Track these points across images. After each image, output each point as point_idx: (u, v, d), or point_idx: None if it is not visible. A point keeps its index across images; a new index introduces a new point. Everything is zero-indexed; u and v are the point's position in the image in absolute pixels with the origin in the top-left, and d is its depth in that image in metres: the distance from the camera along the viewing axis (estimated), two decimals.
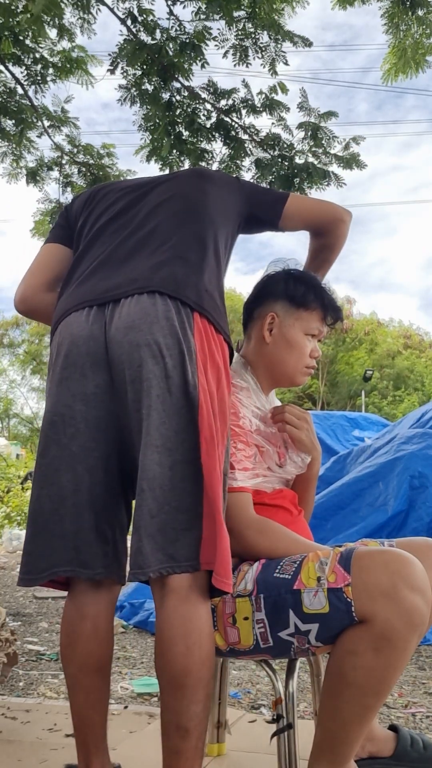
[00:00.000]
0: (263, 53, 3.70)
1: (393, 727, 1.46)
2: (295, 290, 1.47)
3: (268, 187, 1.65)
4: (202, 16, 3.65)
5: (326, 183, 3.67)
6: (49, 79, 4.17)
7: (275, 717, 1.23)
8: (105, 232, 1.37)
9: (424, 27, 3.65)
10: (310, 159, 3.76)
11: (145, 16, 3.74)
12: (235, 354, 1.51)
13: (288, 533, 1.28)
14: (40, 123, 4.36)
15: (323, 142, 3.71)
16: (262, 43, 3.67)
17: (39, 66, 4.10)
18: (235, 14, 3.59)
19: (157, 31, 3.74)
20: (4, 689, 2.30)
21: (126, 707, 2.06)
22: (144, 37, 3.75)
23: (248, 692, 2.30)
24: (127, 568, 1.18)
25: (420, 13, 3.61)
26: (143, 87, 3.86)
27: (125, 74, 3.83)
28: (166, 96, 3.92)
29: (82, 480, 1.21)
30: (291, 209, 1.50)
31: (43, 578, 1.20)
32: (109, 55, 3.76)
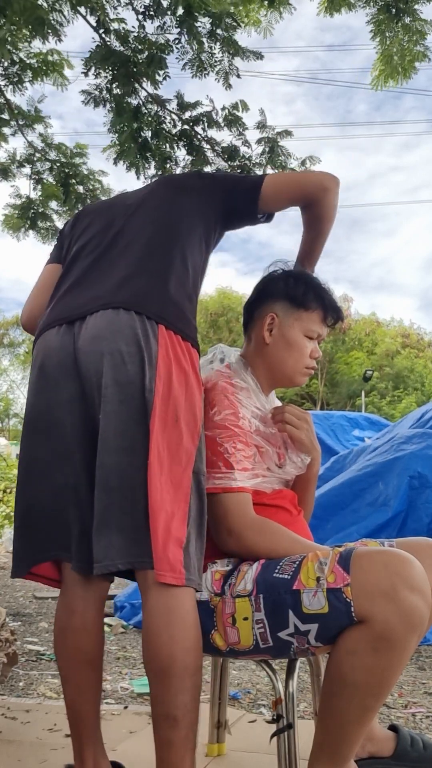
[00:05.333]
0: (218, 66, 3.97)
1: (393, 727, 1.46)
2: (295, 290, 1.47)
3: (243, 174, 1.63)
4: (169, 30, 3.89)
5: None
6: (26, 80, 4.32)
7: (275, 717, 1.23)
8: (80, 255, 1.44)
9: (410, 34, 3.71)
10: (269, 171, 4.02)
11: (116, 25, 3.96)
12: (236, 354, 1.51)
13: (288, 533, 1.29)
14: (14, 122, 4.50)
15: (280, 157, 4.06)
16: (217, 59, 3.95)
17: (16, 67, 4.26)
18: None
19: (129, 39, 3.96)
20: (4, 689, 2.30)
21: (126, 707, 2.06)
22: (115, 43, 3.96)
23: (248, 692, 2.30)
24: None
25: (407, 20, 3.68)
26: (113, 92, 4.07)
27: (97, 76, 4.00)
28: (134, 102, 4.15)
29: (68, 480, 1.27)
30: (267, 192, 1.46)
31: (36, 561, 1.30)
32: (82, 60, 3.97)
